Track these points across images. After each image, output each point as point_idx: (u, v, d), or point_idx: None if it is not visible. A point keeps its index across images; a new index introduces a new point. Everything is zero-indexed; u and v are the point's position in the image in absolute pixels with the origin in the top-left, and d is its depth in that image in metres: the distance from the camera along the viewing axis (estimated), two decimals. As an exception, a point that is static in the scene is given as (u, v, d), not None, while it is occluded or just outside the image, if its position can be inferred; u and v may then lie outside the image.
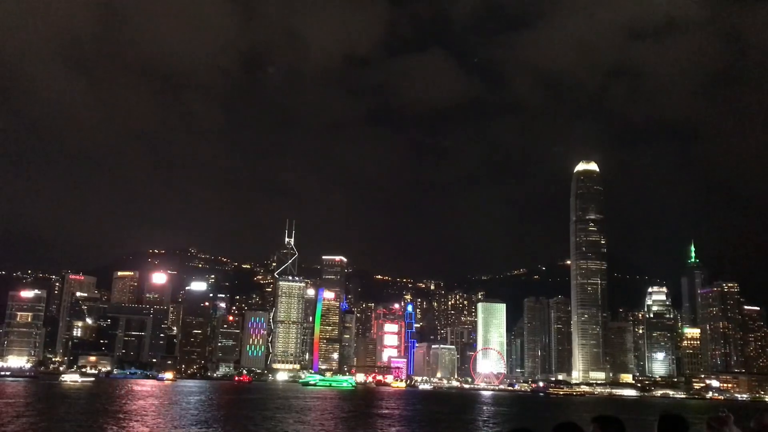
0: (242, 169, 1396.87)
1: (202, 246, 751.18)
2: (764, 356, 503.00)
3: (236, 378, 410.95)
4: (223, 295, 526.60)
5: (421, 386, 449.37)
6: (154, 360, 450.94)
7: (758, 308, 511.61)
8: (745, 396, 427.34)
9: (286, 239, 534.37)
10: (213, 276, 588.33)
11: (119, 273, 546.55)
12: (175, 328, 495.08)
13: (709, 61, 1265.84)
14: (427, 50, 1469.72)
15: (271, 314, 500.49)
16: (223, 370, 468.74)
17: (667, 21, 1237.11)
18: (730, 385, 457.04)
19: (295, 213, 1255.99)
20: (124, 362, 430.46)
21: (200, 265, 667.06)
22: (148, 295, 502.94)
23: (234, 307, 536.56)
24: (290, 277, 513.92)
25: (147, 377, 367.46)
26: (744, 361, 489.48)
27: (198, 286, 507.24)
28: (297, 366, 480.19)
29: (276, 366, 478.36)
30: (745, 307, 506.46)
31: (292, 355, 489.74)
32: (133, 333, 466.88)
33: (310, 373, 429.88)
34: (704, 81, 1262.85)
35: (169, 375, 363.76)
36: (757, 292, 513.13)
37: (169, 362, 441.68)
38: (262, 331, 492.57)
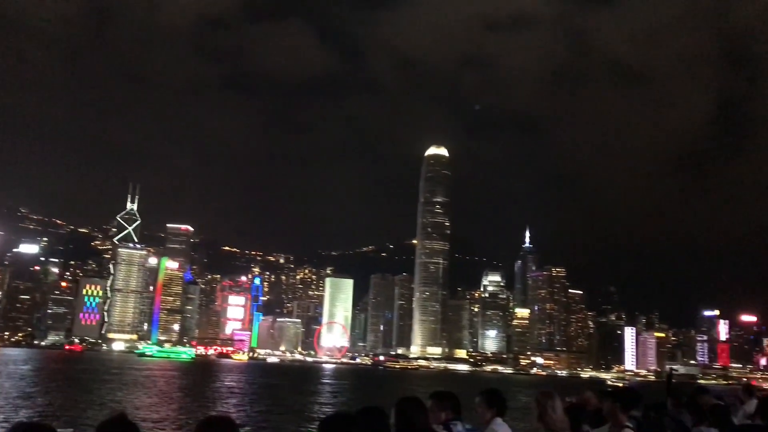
0: (84, 126, 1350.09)
1: (34, 206, 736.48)
2: (583, 336, 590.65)
3: (66, 347, 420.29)
4: (57, 260, 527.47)
5: (270, 359, 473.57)
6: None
7: (581, 292, 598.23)
8: (564, 372, 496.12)
9: (129, 204, 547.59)
10: (46, 239, 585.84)
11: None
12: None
13: (553, 58, 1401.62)
14: (286, 19, 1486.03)
15: (109, 282, 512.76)
16: (52, 338, 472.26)
17: (519, 15, 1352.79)
18: (552, 362, 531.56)
19: (140, 177, 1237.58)
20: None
21: (32, 227, 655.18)
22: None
23: (68, 273, 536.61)
24: (131, 244, 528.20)
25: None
26: (566, 340, 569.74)
27: (28, 248, 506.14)
28: (134, 336, 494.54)
29: (111, 336, 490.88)
30: (570, 290, 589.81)
31: (129, 325, 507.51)
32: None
33: (148, 344, 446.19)
34: (548, 76, 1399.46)
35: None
36: (581, 277, 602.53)
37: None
38: (97, 300, 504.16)
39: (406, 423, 6.41)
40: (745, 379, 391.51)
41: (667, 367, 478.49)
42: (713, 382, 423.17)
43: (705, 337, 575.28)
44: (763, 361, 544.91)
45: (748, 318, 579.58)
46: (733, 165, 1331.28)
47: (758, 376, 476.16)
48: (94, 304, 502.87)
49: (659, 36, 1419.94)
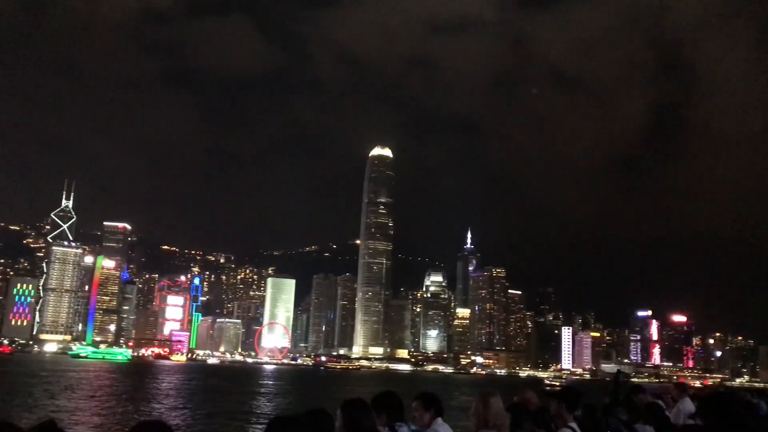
0: (16, 121, 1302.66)
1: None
2: (522, 336, 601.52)
3: None
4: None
5: (210, 360, 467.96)
6: None
7: (520, 292, 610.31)
8: (503, 371, 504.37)
9: (63, 201, 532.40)
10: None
11: None
12: None
13: (496, 61, 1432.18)
14: (229, 15, 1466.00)
15: (41, 281, 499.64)
16: None
17: (464, 19, 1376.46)
18: (491, 361, 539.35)
19: (74, 173, 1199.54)
20: None
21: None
22: None
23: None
24: (66, 243, 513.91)
25: None
26: (505, 340, 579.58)
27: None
28: (68, 337, 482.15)
29: (44, 336, 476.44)
30: (510, 291, 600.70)
31: (62, 325, 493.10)
32: None
33: (82, 344, 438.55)
34: (490, 79, 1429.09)
35: None
36: (521, 278, 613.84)
37: None
38: (29, 299, 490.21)
39: (352, 425, 6.36)
40: (675, 377, 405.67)
41: (615, 368, 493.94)
42: (646, 380, 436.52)
43: (638, 337, 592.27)
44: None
45: (678, 318, 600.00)
46: (667, 168, 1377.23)
47: (687, 374, 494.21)
48: (25, 303, 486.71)
49: (597, 43, 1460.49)
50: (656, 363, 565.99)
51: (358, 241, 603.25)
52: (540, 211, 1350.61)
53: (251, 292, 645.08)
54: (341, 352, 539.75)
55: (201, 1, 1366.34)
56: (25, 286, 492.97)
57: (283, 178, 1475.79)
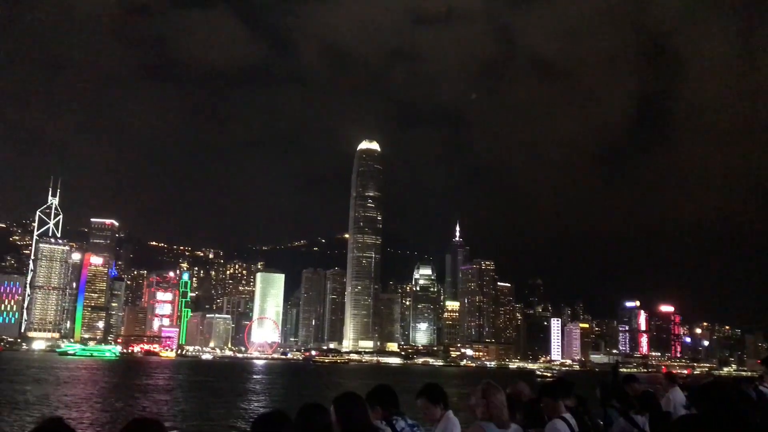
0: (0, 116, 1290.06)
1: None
2: (511, 328, 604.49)
3: None
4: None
5: (204, 356, 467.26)
6: None
7: (509, 285, 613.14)
8: (493, 363, 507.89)
9: (50, 198, 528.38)
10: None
11: None
12: None
13: (481, 53, 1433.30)
14: (213, 7, 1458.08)
15: (28, 278, 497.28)
16: None
17: (448, 10, 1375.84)
18: (481, 354, 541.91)
19: (60, 170, 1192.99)
20: None
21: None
22: None
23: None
24: (53, 240, 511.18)
25: None
26: (494, 332, 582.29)
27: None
28: (56, 335, 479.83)
29: (32, 334, 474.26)
30: (499, 283, 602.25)
31: (50, 323, 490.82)
32: None
33: (71, 342, 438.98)
34: (475, 71, 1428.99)
35: None
36: (510, 270, 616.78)
37: None
38: (16, 297, 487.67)
39: (346, 420, 6.38)
40: (663, 367, 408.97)
41: (605, 359, 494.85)
42: (634, 370, 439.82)
43: (626, 327, 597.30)
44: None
45: (666, 308, 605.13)
46: (653, 158, 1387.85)
47: (675, 364, 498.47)
48: (12, 301, 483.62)
49: (581, 33, 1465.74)
50: (644, 353, 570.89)
51: (346, 235, 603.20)
52: (527, 202, 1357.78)
53: (240, 288, 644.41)
54: (331, 346, 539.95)
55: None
56: (12, 283, 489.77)
57: (270, 172, 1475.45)
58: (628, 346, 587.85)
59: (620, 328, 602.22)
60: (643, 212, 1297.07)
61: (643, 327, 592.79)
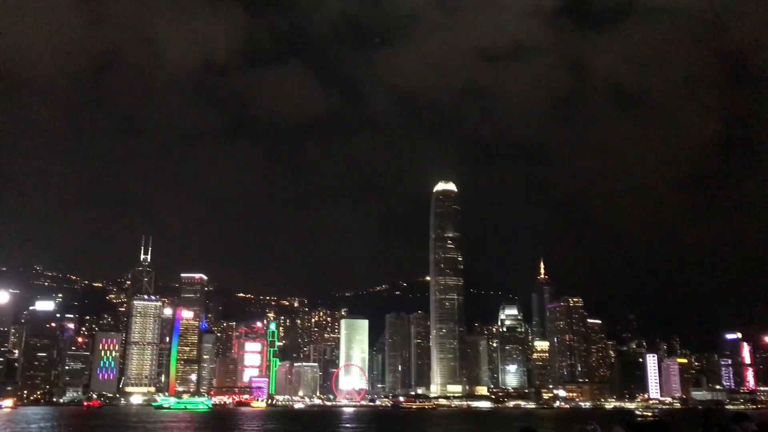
0: (90, 181, 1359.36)
1: (49, 263, 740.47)
2: (604, 366, 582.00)
3: (85, 403, 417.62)
4: (72, 316, 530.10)
5: (297, 405, 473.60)
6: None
7: (599, 321, 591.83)
8: (587, 404, 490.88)
9: (142, 256, 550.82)
10: (61, 295, 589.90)
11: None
12: (16, 352, 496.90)
13: (553, 86, 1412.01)
14: (286, 63, 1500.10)
15: (124, 335, 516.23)
16: (70, 395, 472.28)
17: (516, 46, 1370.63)
18: (575, 394, 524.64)
19: (149, 228, 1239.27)
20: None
21: (47, 284, 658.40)
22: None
23: (84, 328, 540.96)
24: (146, 296, 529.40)
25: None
26: (587, 371, 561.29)
27: (44, 305, 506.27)
28: (152, 389, 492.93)
29: (129, 389, 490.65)
30: (588, 320, 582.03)
31: (146, 377, 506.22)
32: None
33: (166, 395, 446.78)
34: (549, 104, 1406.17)
35: (8, 402, 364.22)
36: (599, 307, 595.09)
37: (9, 388, 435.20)
38: (114, 354, 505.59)
39: None
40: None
41: (707, 395, 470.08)
42: (741, 407, 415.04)
43: (729, 361, 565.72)
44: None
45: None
46: (744, 183, 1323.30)
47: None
48: (110, 358, 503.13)
49: (657, 59, 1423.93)
50: (751, 388, 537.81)
51: (428, 278, 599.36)
52: (612, 235, 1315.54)
53: (326, 335, 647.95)
54: (419, 391, 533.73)
55: (258, 51, 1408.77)
56: (109, 340, 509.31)
57: (349, 218, 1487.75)
58: (732, 381, 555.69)
59: (722, 362, 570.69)
60: (737, 238, 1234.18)
61: (747, 360, 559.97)
